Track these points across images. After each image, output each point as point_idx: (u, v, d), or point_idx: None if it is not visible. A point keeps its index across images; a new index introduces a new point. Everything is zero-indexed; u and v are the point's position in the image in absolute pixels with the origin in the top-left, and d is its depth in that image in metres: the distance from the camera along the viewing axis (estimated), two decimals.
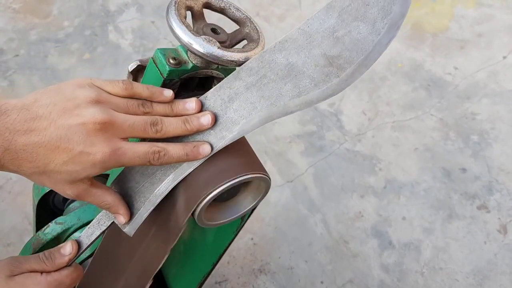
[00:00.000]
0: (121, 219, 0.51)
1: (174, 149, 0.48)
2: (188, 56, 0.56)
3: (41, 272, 0.50)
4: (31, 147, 0.43)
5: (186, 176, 0.52)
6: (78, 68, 1.87)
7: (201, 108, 0.51)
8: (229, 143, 0.50)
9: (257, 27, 0.59)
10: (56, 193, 0.98)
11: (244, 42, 0.58)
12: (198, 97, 0.52)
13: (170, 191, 0.52)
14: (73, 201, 0.99)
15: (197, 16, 0.57)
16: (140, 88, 0.50)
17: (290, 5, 2.24)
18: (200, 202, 0.50)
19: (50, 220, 0.89)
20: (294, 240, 1.50)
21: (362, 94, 1.91)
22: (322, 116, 1.83)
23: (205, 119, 0.49)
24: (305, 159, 1.69)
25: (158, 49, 0.55)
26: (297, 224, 1.53)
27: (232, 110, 0.49)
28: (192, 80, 0.59)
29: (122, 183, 0.53)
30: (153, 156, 0.47)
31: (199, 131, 0.50)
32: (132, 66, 0.60)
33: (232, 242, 0.68)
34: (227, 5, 0.59)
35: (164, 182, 0.51)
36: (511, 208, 1.61)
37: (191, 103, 0.51)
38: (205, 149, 0.49)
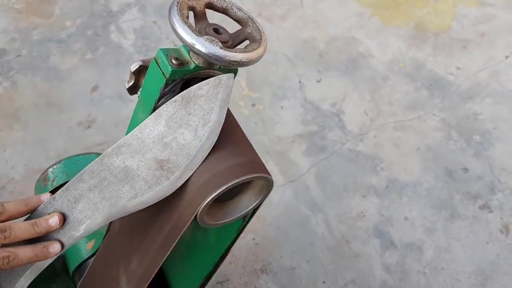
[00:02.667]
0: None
1: (23, 252, 0.51)
2: (190, 56, 0.56)
3: None
4: None
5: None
6: (80, 68, 1.87)
7: (64, 219, 0.53)
8: (78, 241, 0.53)
9: (259, 27, 0.59)
10: None
11: (246, 42, 0.58)
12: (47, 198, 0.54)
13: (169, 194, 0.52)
14: None
15: (199, 16, 0.57)
16: (11, 206, 0.53)
17: (292, 5, 2.24)
18: (203, 202, 0.50)
19: None
20: (296, 240, 1.50)
21: (364, 94, 1.91)
22: (324, 116, 1.83)
23: (53, 220, 0.52)
24: (307, 159, 1.69)
25: (160, 49, 0.55)
26: (299, 224, 1.53)
27: (77, 211, 0.53)
28: (195, 80, 0.59)
29: None
30: (2, 262, 0.49)
31: (48, 233, 0.52)
32: (134, 67, 0.60)
33: (234, 243, 0.68)
34: (229, 5, 0.59)
35: (23, 277, 0.53)
36: None
37: (53, 220, 0.52)
38: (55, 248, 0.52)
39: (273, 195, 1.58)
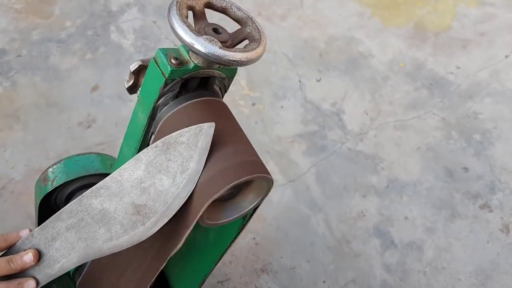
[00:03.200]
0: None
1: None
2: (189, 56, 0.56)
3: None
4: None
5: None
6: (80, 68, 1.87)
7: (39, 257, 0.54)
8: (54, 278, 0.54)
9: (258, 27, 0.59)
10: (58, 193, 0.98)
11: (246, 41, 0.58)
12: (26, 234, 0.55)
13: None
14: None
15: (199, 16, 0.57)
16: None
17: (291, 4, 2.24)
18: (206, 203, 0.50)
19: None
20: (296, 239, 1.50)
21: (364, 94, 1.91)
22: (324, 115, 1.83)
23: (28, 257, 0.53)
24: (307, 159, 1.69)
25: (159, 49, 0.55)
26: (299, 223, 1.53)
27: (54, 249, 0.53)
28: (194, 79, 0.59)
29: None
30: None
31: (23, 269, 0.53)
32: (134, 66, 0.60)
33: (233, 242, 0.67)
34: (229, 5, 0.59)
35: None
36: None
37: (27, 257, 0.53)
38: (30, 285, 0.53)
39: (273, 195, 1.58)
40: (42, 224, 0.54)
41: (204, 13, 0.57)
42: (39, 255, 0.53)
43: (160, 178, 0.53)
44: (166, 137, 0.53)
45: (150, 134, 0.63)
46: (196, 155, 0.52)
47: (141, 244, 0.62)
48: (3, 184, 1.52)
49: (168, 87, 0.56)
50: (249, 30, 0.58)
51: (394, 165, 1.70)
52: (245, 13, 0.59)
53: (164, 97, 0.58)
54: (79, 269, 0.84)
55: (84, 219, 0.53)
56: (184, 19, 0.52)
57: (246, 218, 0.63)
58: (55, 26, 2.01)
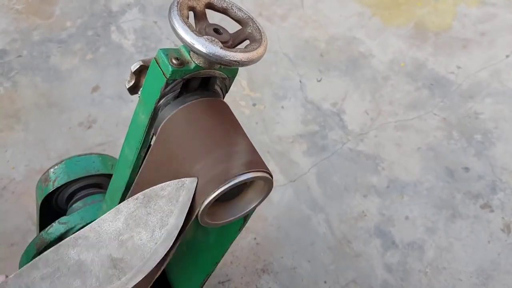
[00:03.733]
0: None
1: None
2: (190, 56, 0.56)
3: None
4: None
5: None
6: (81, 69, 1.87)
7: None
8: None
9: (259, 27, 0.59)
10: (59, 193, 0.99)
11: (247, 42, 0.58)
12: (1, 281, 0.54)
13: None
14: (76, 201, 0.99)
15: (200, 16, 0.57)
16: None
17: (292, 5, 2.24)
18: (202, 203, 0.50)
19: (53, 220, 0.89)
20: (297, 239, 1.50)
21: (365, 94, 1.91)
22: (324, 115, 1.83)
23: None
24: (308, 159, 1.69)
25: (160, 49, 0.55)
26: (300, 223, 1.53)
27: None
28: (195, 80, 0.59)
29: None
30: None
31: None
32: (134, 67, 0.60)
33: (233, 241, 0.68)
34: (229, 5, 0.59)
35: None
36: None
37: None
38: None
39: (274, 195, 1.58)
40: (18, 272, 0.53)
41: (205, 14, 0.57)
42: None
43: (139, 232, 0.51)
44: (148, 189, 0.52)
45: (151, 134, 0.64)
46: (177, 210, 0.51)
47: None
48: (4, 185, 1.52)
49: (169, 88, 0.56)
50: (250, 31, 0.58)
51: (394, 165, 1.70)
52: (245, 14, 0.59)
53: (165, 98, 0.58)
54: None
55: (60, 269, 0.52)
56: (185, 19, 0.52)
57: (246, 218, 0.63)
58: (56, 26, 2.01)
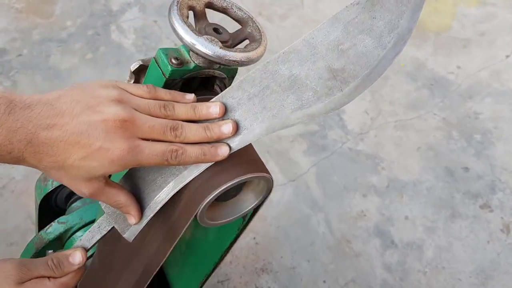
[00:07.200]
0: (131, 220, 0.51)
1: (192, 148, 0.48)
2: (190, 56, 0.56)
3: (49, 278, 0.50)
4: (53, 141, 0.43)
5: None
6: (81, 68, 1.87)
7: (225, 113, 0.49)
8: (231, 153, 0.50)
9: (259, 27, 0.59)
10: (58, 192, 0.99)
11: (246, 42, 0.58)
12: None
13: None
14: (75, 200, 0.99)
15: (199, 16, 0.57)
16: (162, 92, 0.51)
17: (292, 4, 2.24)
18: (202, 202, 0.50)
19: (52, 220, 0.89)
20: (297, 239, 1.50)
21: (365, 94, 1.91)
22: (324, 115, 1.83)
23: (227, 127, 0.48)
24: (308, 158, 1.69)
25: (160, 49, 0.55)
26: (300, 223, 1.53)
27: (234, 119, 0.49)
28: (194, 80, 0.59)
29: (125, 186, 0.53)
30: (170, 155, 0.47)
31: (219, 140, 0.49)
32: (134, 66, 0.60)
33: (235, 242, 0.68)
34: (229, 5, 0.59)
35: (164, 189, 0.51)
36: None
37: (215, 108, 0.49)
38: (223, 150, 0.48)
39: (274, 194, 1.58)
40: (219, 94, 0.50)
41: (204, 13, 0.57)
42: (237, 127, 0.48)
43: (362, 39, 0.45)
44: None
45: None
46: (409, 11, 0.44)
47: (140, 244, 0.62)
48: (4, 184, 1.52)
49: (168, 87, 0.56)
50: (249, 30, 0.58)
51: (394, 165, 1.70)
52: (245, 13, 0.59)
53: None
54: None
55: (269, 87, 0.47)
56: (184, 19, 0.52)
57: (246, 218, 0.63)
58: (56, 25, 2.01)
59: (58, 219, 0.89)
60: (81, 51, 1.93)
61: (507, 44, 2.12)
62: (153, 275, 0.61)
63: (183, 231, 0.54)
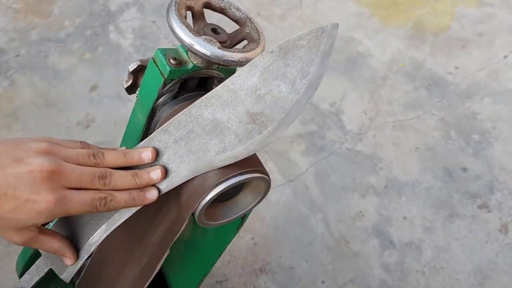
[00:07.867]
0: (68, 261, 0.52)
1: (120, 194, 0.49)
2: (188, 56, 0.56)
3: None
4: None
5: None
6: (79, 68, 1.87)
7: (156, 158, 0.51)
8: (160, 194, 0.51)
9: (257, 27, 0.59)
10: None
11: (245, 42, 0.58)
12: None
13: (169, 191, 0.52)
14: None
15: (198, 16, 0.57)
16: (95, 148, 0.51)
17: (291, 4, 2.24)
18: (200, 203, 0.50)
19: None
20: (295, 239, 1.50)
21: (363, 94, 1.91)
22: (323, 115, 1.83)
23: (155, 174, 0.50)
24: (306, 159, 1.69)
25: (158, 49, 0.55)
26: (298, 223, 1.53)
27: (161, 164, 0.51)
28: (193, 80, 0.59)
29: (60, 230, 0.54)
30: (99, 202, 0.47)
31: (147, 186, 0.50)
32: (132, 66, 0.60)
33: (230, 242, 0.68)
34: (228, 5, 0.59)
35: (97, 232, 0.52)
36: None
37: (147, 153, 0.50)
38: (152, 194, 0.50)
39: (272, 194, 1.58)
40: (147, 138, 0.51)
41: (203, 14, 0.57)
42: (165, 172, 0.50)
43: (278, 85, 0.48)
44: (283, 41, 0.48)
45: (149, 134, 0.64)
46: (318, 59, 0.47)
47: (139, 244, 0.62)
48: None
49: (167, 87, 0.56)
50: (248, 31, 0.58)
51: (393, 165, 1.70)
52: (244, 13, 0.59)
53: (163, 97, 0.58)
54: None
55: (194, 130, 0.50)
56: (183, 19, 0.52)
57: (244, 218, 0.63)
58: (54, 25, 2.01)
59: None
60: (79, 51, 1.93)
61: (506, 45, 2.12)
62: (153, 274, 0.61)
63: (182, 230, 0.54)
